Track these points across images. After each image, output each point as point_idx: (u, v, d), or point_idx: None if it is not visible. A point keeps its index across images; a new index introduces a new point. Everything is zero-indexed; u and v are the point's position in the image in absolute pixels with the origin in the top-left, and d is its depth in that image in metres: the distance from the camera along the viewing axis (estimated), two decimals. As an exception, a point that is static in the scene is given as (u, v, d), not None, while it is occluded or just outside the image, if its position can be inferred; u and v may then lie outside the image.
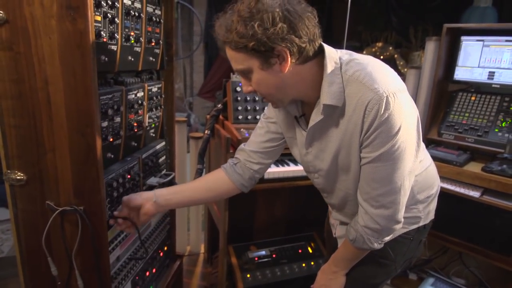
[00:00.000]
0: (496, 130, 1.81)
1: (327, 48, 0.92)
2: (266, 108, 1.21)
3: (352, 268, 1.11)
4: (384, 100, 0.84)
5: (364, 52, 5.03)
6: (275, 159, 1.24)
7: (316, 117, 0.95)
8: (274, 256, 1.92)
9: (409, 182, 0.96)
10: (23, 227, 1.08)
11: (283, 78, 0.88)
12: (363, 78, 0.87)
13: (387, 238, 1.01)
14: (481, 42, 1.94)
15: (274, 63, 0.85)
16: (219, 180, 1.21)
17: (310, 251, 2.01)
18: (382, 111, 0.84)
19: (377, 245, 1.00)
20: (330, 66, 0.89)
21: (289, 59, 0.85)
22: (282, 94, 0.93)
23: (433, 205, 1.17)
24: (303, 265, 1.92)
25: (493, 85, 1.92)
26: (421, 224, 1.13)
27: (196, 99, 6.14)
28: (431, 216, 1.17)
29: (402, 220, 0.98)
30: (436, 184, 1.17)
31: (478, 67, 1.96)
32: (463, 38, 2.00)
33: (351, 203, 1.08)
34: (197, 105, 6.18)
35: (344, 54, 0.94)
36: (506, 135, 1.75)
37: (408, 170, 0.93)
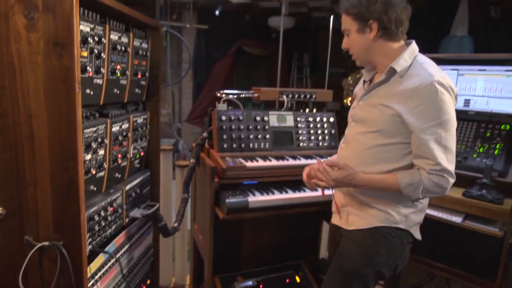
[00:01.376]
0: (475, 155, 1.87)
1: (414, 44, 1.23)
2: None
3: (341, 259, 1.29)
4: (436, 84, 1.09)
5: (349, 77, 5.17)
6: None
7: (379, 78, 1.24)
8: (261, 286, 1.88)
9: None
10: (-1, 263, 1.05)
11: (368, 44, 1.21)
12: (426, 68, 1.15)
13: (430, 195, 1.19)
14: (456, 71, 2.04)
15: (365, 31, 1.19)
16: None
17: (298, 280, 1.98)
18: (432, 93, 1.09)
19: (420, 195, 1.16)
20: (408, 52, 1.20)
21: (375, 32, 1.18)
22: (363, 55, 1.27)
23: (415, 216, 1.25)
24: (291, 295, 1.89)
25: (469, 112, 2.00)
26: (400, 226, 1.22)
27: (184, 125, 6.15)
28: (412, 226, 1.24)
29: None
30: (423, 203, 1.26)
31: (455, 95, 2.04)
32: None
33: None
34: (186, 131, 6.18)
35: (422, 55, 1.23)
36: (484, 160, 1.80)
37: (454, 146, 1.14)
